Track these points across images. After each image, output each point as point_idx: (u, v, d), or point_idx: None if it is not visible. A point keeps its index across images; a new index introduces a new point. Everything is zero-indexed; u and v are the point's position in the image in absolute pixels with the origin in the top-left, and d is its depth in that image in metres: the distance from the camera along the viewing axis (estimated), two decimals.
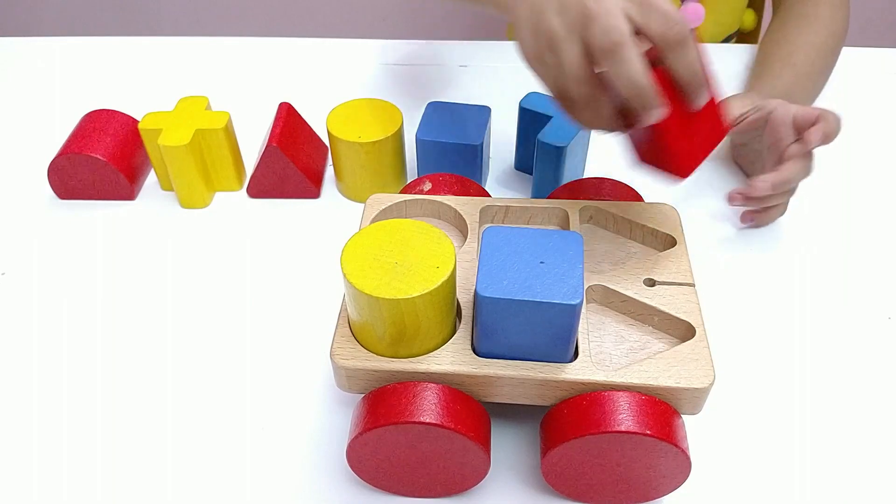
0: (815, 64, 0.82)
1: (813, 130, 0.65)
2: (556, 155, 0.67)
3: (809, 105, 0.83)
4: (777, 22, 0.88)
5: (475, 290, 0.43)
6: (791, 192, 0.69)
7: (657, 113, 0.47)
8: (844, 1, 0.86)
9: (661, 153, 0.52)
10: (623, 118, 0.51)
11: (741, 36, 1.03)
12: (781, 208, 0.70)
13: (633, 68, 0.45)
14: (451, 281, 0.45)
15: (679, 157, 0.51)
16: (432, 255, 0.45)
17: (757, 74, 0.83)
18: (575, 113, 0.51)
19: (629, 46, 0.45)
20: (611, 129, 0.52)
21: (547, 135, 0.68)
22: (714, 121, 0.53)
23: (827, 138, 0.65)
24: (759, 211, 0.70)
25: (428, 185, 0.59)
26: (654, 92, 0.46)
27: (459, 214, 0.56)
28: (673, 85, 0.48)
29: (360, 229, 0.48)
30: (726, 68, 0.93)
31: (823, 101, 0.86)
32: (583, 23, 0.46)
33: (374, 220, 0.56)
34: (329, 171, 0.79)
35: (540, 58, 0.50)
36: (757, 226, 0.71)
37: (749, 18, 1.00)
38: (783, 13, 0.88)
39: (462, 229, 0.56)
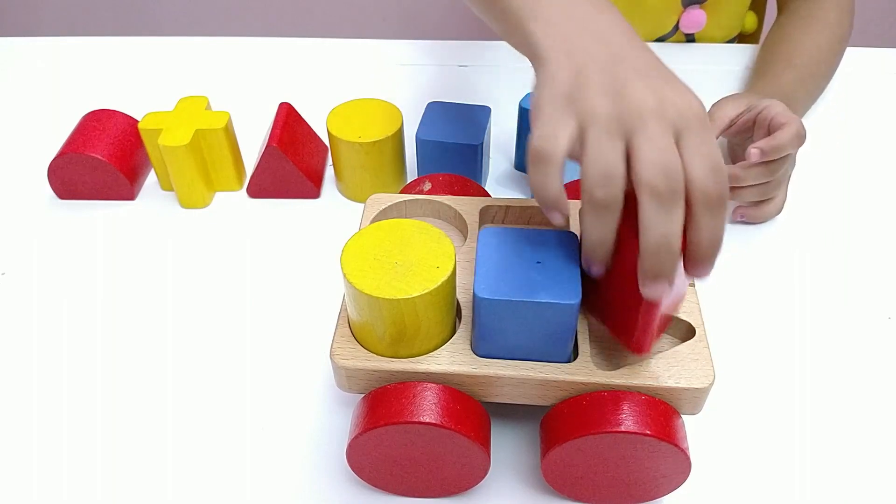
0: (817, 66, 0.82)
1: (762, 141, 0.64)
2: None
3: (808, 105, 0.83)
4: (781, 22, 0.88)
5: (474, 292, 0.43)
6: (779, 185, 0.69)
7: (659, 290, 0.40)
8: (850, 4, 0.86)
9: (622, 319, 0.45)
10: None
11: (742, 37, 1.03)
12: (775, 206, 0.70)
13: (673, 232, 0.38)
14: (451, 281, 0.45)
15: (646, 334, 0.43)
16: (432, 254, 0.45)
17: (759, 74, 0.83)
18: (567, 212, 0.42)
19: (680, 203, 0.38)
20: (597, 254, 0.42)
21: None
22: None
23: (770, 152, 0.64)
24: (749, 207, 0.70)
25: (428, 185, 0.59)
26: (676, 266, 0.39)
27: (459, 214, 0.56)
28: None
29: (359, 229, 0.48)
30: (726, 68, 0.93)
31: (824, 102, 0.86)
32: (633, 124, 0.39)
33: (373, 220, 0.56)
34: (329, 171, 0.79)
35: (558, 127, 0.41)
36: (749, 222, 0.71)
37: (750, 20, 1.00)
38: (788, 13, 0.88)
39: (462, 229, 0.56)
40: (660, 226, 0.38)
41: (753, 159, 0.64)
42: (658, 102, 0.40)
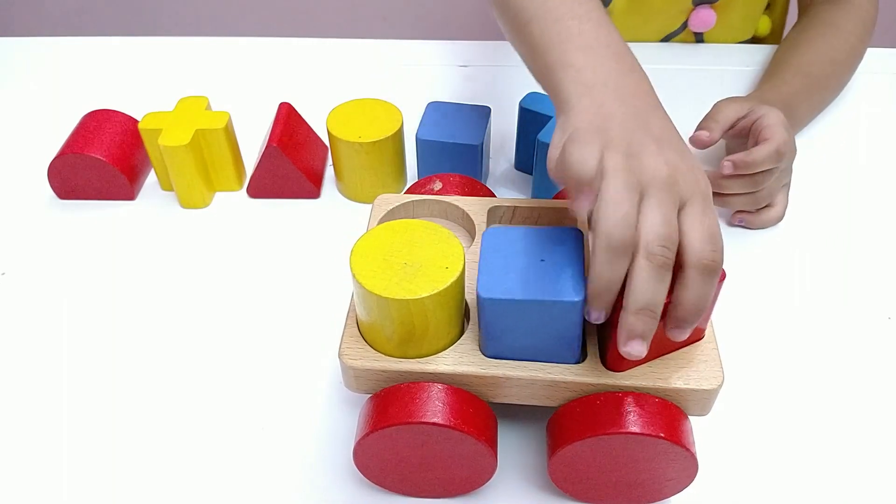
0: (828, 78, 0.81)
1: (737, 155, 0.65)
2: None
3: (812, 115, 0.82)
4: (802, 26, 0.87)
5: (477, 293, 0.43)
6: (773, 194, 0.69)
7: (635, 349, 0.41)
8: (872, 15, 0.85)
9: (605, 336, 0.46)
10: None
11: (755, 40, 1.02)
12: (775, 214, 0.70)
13: (658, 299, 0.40)
14: (460, 281, 0.45)
15: (620, 359, 0.44)
16: (441, 255, 0.45)
17: (768, 76, 0.82)
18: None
19: (669, 274, 0.40)
20: (603, 298, 0.42)
21: (547, 134, 0.68)
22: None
23: (743, 167, 0.65)
24: (751, 213, 0.70)
25: (438, 185, 0.59)
26: (653, 329, 0.41)
27: (467, 215, 0.56)
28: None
29: (367, 230, 0.48)
30: (736, 68, 0.93)
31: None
32: (643, 189, 0.41)
33: (381, 221, 0.56)
34: (329, 171, 0.79)
35: (582, 171, 0.43)
36: (748, 227, 0.71)
37: (764, 24, 0.99)
38: (809, 18, 0.87)
39: (470, 230, 0.56)
40: (648, 292, 0.40)
41: (725, 171, 0.65)
42: (670, 174, 0.42)
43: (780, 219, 0.71)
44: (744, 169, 0.65)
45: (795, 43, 0.85)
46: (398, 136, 0.71)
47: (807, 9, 0.89)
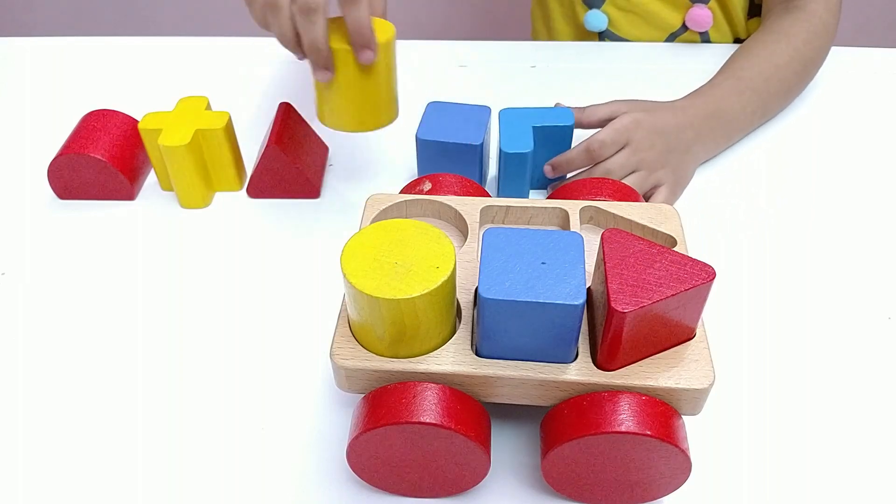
0: (766, 81, 0.80)
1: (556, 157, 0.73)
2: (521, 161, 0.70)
3: (751, 120, 0.81)
4: (753, 36, 0.87)
5: (478, 292, 0.43)
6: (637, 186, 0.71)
7: (322, 77, 0.61)
8: (825, 26, 0.84)
9: (597, 335, 0.47)
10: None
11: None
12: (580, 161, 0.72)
13: (320, 30, 0.58)
14: (451, 281, 0.45)
15: (611, 354, 0.45)
16: (432, 255, 0.45)
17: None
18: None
19: (316, 12, 0.58)
20: (320, 57, 0.60)
21: (507, 144, 0.70)
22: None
23: (557, 166, 0.72)
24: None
25: (427, 185, 0.59)
26: (325, 49, 0.59)
27: (460, 214, 0.56)
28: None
29: (359, 229, 0.48)
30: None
31: (824, 102, 0.86)
32: None
33: (374, 220, 0.56)
34: (329, 172, 0.79)
35: None
36: (558, 175, 0.74)
37: (753, 27, 0.99)
38: (760, 28, 0.88)
39: (462, 229, 0.56)
40: (310, 30, 0.58)
41: (547, 174, 0.73)
42: None
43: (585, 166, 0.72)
44: (561, 168, 0.72)
45: (739, 51, 0.85)
46: (388, 47, 0.63)
47: (763, 19, 0.90)
